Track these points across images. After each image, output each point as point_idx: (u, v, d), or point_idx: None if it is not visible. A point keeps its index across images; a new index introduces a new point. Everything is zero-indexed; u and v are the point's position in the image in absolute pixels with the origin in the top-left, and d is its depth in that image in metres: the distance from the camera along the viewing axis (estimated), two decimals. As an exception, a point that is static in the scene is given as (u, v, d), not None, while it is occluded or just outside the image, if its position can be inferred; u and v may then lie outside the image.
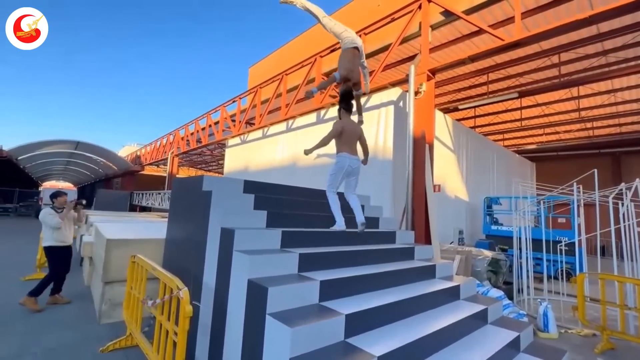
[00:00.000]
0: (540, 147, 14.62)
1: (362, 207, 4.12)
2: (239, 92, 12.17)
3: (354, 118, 3.88)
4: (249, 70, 16.44)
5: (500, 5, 5.84)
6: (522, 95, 7.96)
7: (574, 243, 7.63)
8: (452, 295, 3.30)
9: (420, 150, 5.70)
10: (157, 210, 11.66)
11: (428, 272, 3.59)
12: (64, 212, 4.55)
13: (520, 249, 5.98)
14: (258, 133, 11.32)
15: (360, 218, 3.43)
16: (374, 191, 6.15)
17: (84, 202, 4.88)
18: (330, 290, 2.50)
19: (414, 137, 5.75)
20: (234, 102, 12.58)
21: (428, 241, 5.43)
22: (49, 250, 4.54)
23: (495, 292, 4.55)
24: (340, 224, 3.41)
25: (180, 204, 3.81)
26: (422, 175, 5.61)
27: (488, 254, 5.65)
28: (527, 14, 5.85)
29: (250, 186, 3.69)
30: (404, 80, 6.62)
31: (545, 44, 7.13)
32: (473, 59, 5.38)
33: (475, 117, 12.14)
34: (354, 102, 3.85)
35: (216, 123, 13.57)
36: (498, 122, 12.50)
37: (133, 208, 15.75)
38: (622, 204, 5.30)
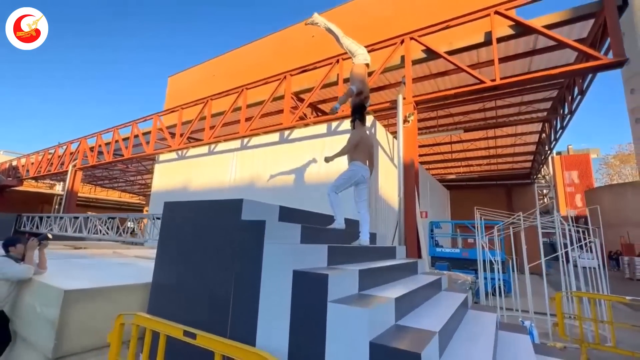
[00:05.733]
0: (457, 178, 16.98)
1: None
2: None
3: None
4: (169, 80, 15.10)
5: (469, 54, 6.61)
6: (466, 131, 9.09)
7: (504, 262, 8.88)
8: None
9: (410, 178, 5.80)
10: (59, 238, 8.99)
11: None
12: (27, 258, 3.07)
13: (474, 269, 6.57)
14: (203, 149, 10.07)
15: (365, 237, 3.51)
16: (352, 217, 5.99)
17: (50, 236, 3.33)
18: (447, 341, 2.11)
19: (404, 165, 5.83)
20: (172, 111, 11.01)
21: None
22: None
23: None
24: (340, 223, 3.51)
25: (190, 237, 2.87)
26: (413, 203, 5.69)
27: (467, 277, 5.97)
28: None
29: (289, 213, 3.04)
30: (382, 109, 6.83)
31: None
32: (457, 95, 5.86)
33: (413, 147, 13.37)
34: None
35: (145, 134, 11.59)
36: (431, 153, 14.04)
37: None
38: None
